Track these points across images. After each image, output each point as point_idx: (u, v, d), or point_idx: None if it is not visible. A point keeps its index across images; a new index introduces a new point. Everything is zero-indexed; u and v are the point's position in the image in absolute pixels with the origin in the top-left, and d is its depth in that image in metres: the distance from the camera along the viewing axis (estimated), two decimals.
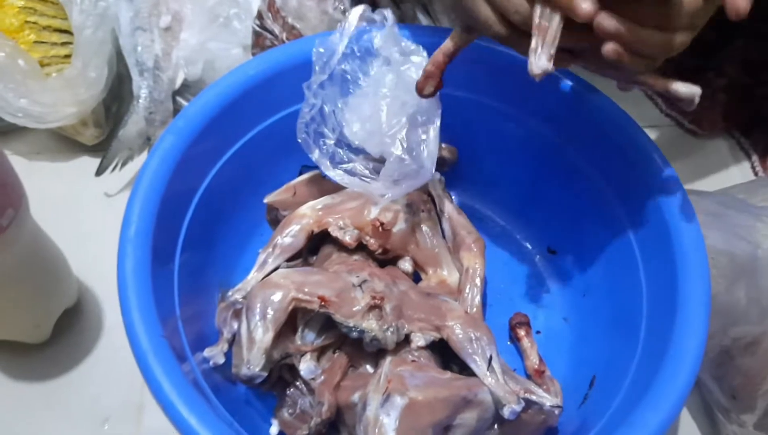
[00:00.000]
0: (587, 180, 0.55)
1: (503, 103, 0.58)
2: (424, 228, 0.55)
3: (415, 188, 0.53)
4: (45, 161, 0.71)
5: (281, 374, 0.50)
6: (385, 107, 0.51)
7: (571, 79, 0.55)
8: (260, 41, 0.73)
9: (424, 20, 0.75)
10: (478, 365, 0.48)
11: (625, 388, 0.47)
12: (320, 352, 0.50)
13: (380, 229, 0.52)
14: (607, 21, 0.37)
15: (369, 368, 0.50)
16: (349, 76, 0.54)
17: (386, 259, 0.54)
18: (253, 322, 0.46)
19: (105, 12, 0.71)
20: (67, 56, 0.71)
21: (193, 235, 0.50)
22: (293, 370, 0.49)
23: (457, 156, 0.60)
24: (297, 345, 0.49)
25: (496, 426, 0.48)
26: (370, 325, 0.47)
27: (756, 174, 0.73)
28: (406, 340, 0.49)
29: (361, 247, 0.53)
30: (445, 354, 0.51)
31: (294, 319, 0.49)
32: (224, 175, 0.54)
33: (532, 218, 0.62)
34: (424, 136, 0.51)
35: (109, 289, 0.44)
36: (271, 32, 0.72)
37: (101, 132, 0.72)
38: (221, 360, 0.48)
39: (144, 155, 0.70)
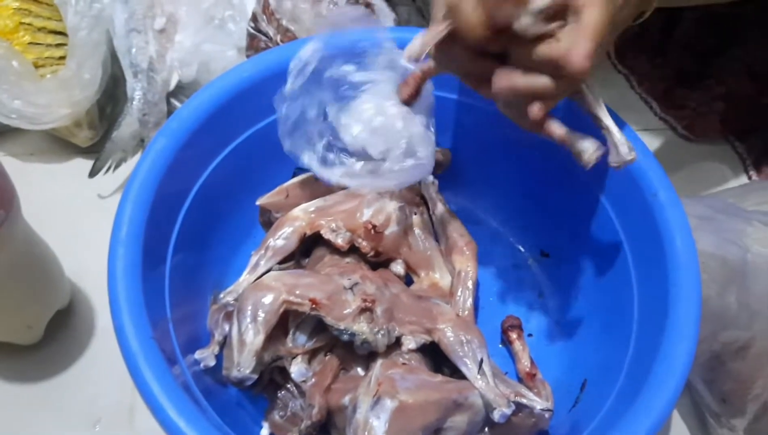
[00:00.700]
0: (580, 184, 0.55)
1: (494, 107, 0.58)
2: (417, 231, 0.55)
3: (416, 180, 0.52)
4: (39, 162, 0.71)
5: (272, 377, 0.50)
6: (388, 108, 0.51)
7: None
8: (255, 43, 0.73)
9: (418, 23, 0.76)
10: (468, 368, 0.48)
11: (616, 392, 0.47)
12: (311, 355, 0.50)
13: (372, 231, 0.52)
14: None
15: (360, 371, 0.50)
16: (340, 80, 0.53)
17: (378, 262, 0.54)
18: (244, 324, 0.46)
19: (100, 14, 0.71)
20: (62, 58, 0.71)
21: (186, 237, 0.50)
22: (284, 373, 0.49)
23: (450, 159, 0.61)
24: (288, 347, 0.49)
25: (486, 429, 0.48)
26: (361, 327, 0.47)
27: (750, 178, 0.73)
28: (397, 342, 0.49)
29: (353, 250, 0.53)
30: (436, 357, 0.51)
31: (285, 322, 0.49)
32: (217, 177, 0.54)
33: (525, 221, 0.62)
34: (423, 132, 0.51)
35: (102, 290, 0.44)
36: (266, 34, 0.72)
37: (95, 133, 0.72)
38: (212, 362, 0.48)
39: (137, 157, 0.70)
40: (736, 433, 0.54)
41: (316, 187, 0.57)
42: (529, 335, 0.58)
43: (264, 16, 0.72)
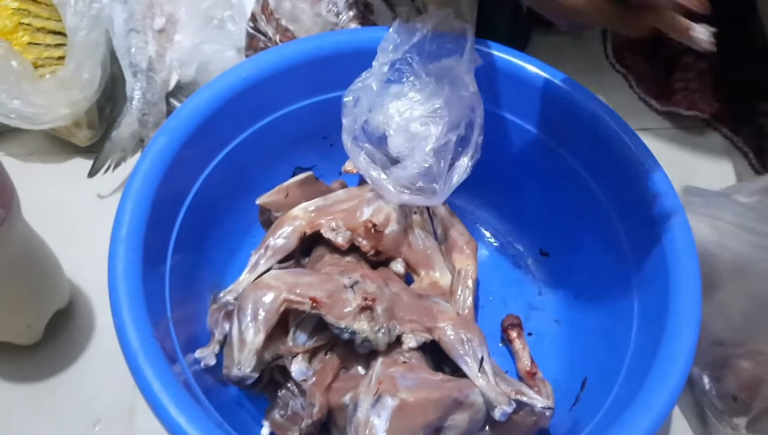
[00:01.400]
0: (580, 183, 0.56)
1: (496, 107, 0.58)
2: (417, 230, 0.55)
3: (421, 205, 0.53)
4: (38, 162, 0.71)
5: (273, 375, 0.50)
6: (436, 118, 0.52)
7: (564, 82, 0.55)
8: (254, 43, 0.73)
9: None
10: (469, 366, 0.48)
11: (616, 390, 0.47)
12: (312, 354, 0.50)
13: (372, 230, 0.52)
14: None
15: (361, 370, 0.50)
16: (406, 70, 0.54)
17: (378, 261, 0.54)
18: (244, 323, 0.46)
19: (99, 14, 0.71)
20: (61, 58, 0.71)
21: (185, 236, 0.50)
22: (285, 372, 0.49)
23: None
24: (288, 346, 0.49)
25: (487, 427, 0.48)
26: (362, 326, 0.47)
27: (756, 171, 0.73)
28: (398, 341, 0.49)
29: (353, 249, 0.53)
30: (437, 355, 0.51)
31: (286, 321, 0.49)
32: (217, 176, 0.54)
33: (525, 220, 0.62)
34: (454, 165, 0.52)
35: (102, 290, 0.44)
36: (265, 34, 0.72)
37: (95, 133, 0.72)
38: (212, 361, 0.48)
39: (137, 157, 0.70)
40: (738, 431, 0.54)
41: (317, 186, 0.57)
42: (529, 334, 0.58)
43: (263, 16, 0.72)
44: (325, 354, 0.50)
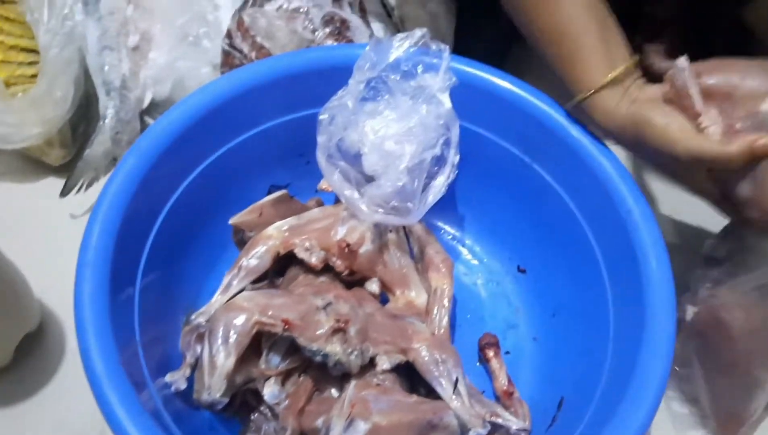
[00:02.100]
0: (555, 199, 0.55)
1: (472, 123, 0.58)
2: (392, 249, 0.54)
3: (395, 224, 0.53)
4: (10, 182, 0.70)
5: (245, 399, 0.49)
6: (411, 137, 0.52)
7: (538, 98, 0.55)
8: (229, 60, 0.72)
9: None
10: (443, 388, 0.47)
11: (592, 410, 0.46)
12: (285, 376, 0.49)
13: (346, 250, 0.52)
14: None
15: (334, 392, 0.49)
16: (382, 89, 0.54)
17: (353, 280, 0.54)
18: (215, 346, 0.46)
19: (72, 31, 0.71)
20: (34, 76, 0.70)
21: (157, 257, 0.50)
22: (257, 395, 0.48)
23: None
24: (261, 369, 0.48)
25: None
26: (334, 348, 0.47)
27: None
28: (371, 363, 0.48)
29: (327, 269, 0.53)
30: (412, 377, 0.50)
31: (258, 343, 0.49)
32: (189, 196, 0.53)
33: (502, 238, 0.62)
34: (430, 184, 0.53)
35: (73, 312, 0.43)
36: (240, 51, 0.72)
37: (68, 152, 0.71)
38: (183, 385, 0.47)
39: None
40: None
41: (291, 205, 0.56)
42: (507, 353, 0.57)
43: (238, 33, 0.72)
44: (299, 376, 0.49)
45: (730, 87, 0.47)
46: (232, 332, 0.46)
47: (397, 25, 0.78)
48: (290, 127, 0.57)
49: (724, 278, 0.53)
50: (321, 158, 0.52)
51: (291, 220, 0.54)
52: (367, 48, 0.54)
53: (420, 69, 0.54)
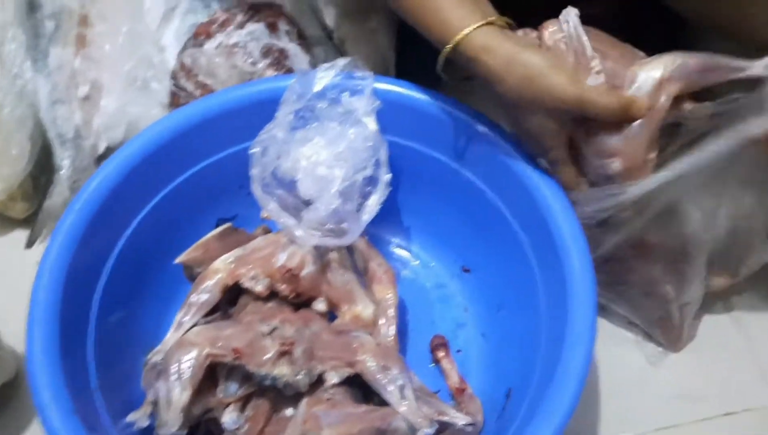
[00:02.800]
0: (487, 201, 0.58)
1: (403, 139, 0.61)
2: (335, 267, 0.57)
3: (332, 246, 0.55)
4: None
5: (208, 428, 0.52)
6: (341, 161, 0.55)
7: (461, 110, 0.57)
8: (176, 100, 0.75)
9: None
10: (391, 394, 0.50)
11: (529, 398, 0.49)
12: (244, 401, 0.52)
13: (288, 275, 0.54)
14: None
15: (291, 411, 0.52)
16: (310, 117, 0.57)
17: (301, 302, 0.57)
18: (170, 382, 0.49)
19: (23, 89, 0.74)
20: None
21: (110, 303, 0.53)
22: (218, 424, 0.51)
23: None
24: (219, 398, 0.51)
25: None
26: (282, 371, 0.49)
27: None
28: (321, 379, 0.51)
29: (275, 294, 0.56)
30: (365, 387, 0.53)
31: (214, 373, 0.51)
32: (138, 238, 0.56)
33: (446, 241, 0.64)
34: (364, 203, 0.55)
35: None
36: (186, 90, 0.74)
37: (31, 204, 0.74)
38: (145, 423, 0.50)
39: None
40: None
41: (236, 237, 0.59)
42: (458, 351, 0.60)
43: (182, 73, 0.75)
44: (258, 400, 0.52)
45: (609, 54, 0.50)
46: (184, 367, 0.49)
47: (337, 46, 0.81)
48: (229, 162, 0.60)
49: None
50: (256, 190, 0.55)
51: (236, 252, 0.56)
52: (293, 81, 0.57)
53: (346, 95, 0.57)
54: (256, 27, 0.74)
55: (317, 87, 0.57)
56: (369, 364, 0.51)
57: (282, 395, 0.52)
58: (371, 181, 0.56)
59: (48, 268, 0.49)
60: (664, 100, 0.49)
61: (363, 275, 0.59)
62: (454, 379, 0.57)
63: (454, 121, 0.58)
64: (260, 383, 0.50)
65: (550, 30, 0.51)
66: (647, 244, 0.58)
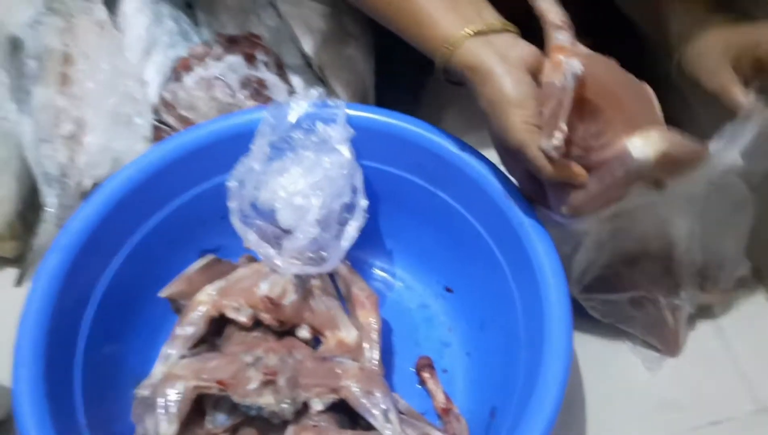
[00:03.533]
0: (462, 220, 0.59)
1: (379, 163, 0.62)
2: (317, 294, 0.58)
3: (313, 274, 0.56)
4: None
5: None
6: (317, 190, 0.56)
7: (432, 133, 0.59)
8: (159, 134, 0.76)
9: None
10: (375, 418, 0.51)
11: (512, 415, 0.50)
12: (233, 431, 0.53)
13: (271, 304, 0.55)
14: None
15: None
16: (285, 147, 0.58)
17: (285, 330, 0.57)
18: (157, 416, 0.49)
19: (7, 131, 0.75)
20: None
21: (97, 339, 0.53)
22: None
23: None
24: (207, 429, 0.52)
25: None
26: (267, 400, 0.50)
27: None
28: (306, 406, 0.52)
29: (259, 323, 0.57)
30: (352, 412, 0.54)
31: (202, 404, 0.52)
32: (122, 274, 0.57)
33: (427, 263, 0.65)
34: (343, 230, 0.56)
35: None
36: (168, 125, 0.76)
37: (21, 243, 0.74)
38: None
39: None
40: None
41: (220, 268, 0.60)
42: (444, 371, 0.61)
43: (164, 108, 0.76)
44: (245, 429, 0.53)
45: (603, 111, 0.49)
46: (171, 401, 0.50)
47: (317, 73, 0.82)
48: (208, 195, 0.61)
49: None
50: (235, 222, 0.56)
51: (219, 283, 0.57)
52: (266, 113, 0.58)
53: (320, 124, 0.58)
54: (234, 59, 0.76)
55: (291, 117, 0.58)
56: (353, 389, 0.52)
57: (269, 424, 0.52)
58: (349, 207, 0.57)
59: (33, 309, 0.49)
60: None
61: (346, 301, 0.60)
62: (440, 400, 0.58)
63: (427, 144, 0.59)
64: (247, 413, 0.51)
65: (554, 63, 0.49)
66: (635, 254, 0.59)
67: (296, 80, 0.80)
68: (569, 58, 0.47)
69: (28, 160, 0.75)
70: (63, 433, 0.45)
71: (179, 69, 0.76)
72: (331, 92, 0.76)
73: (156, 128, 0.76)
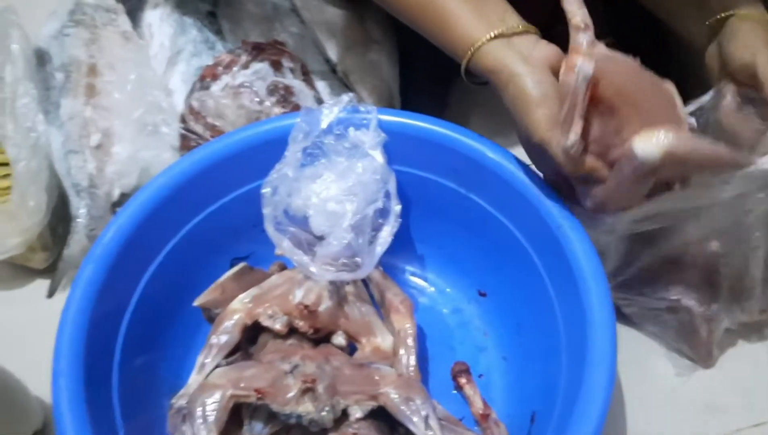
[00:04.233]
0: (497, 224, 0.58)
1: (412, 168, 0.61)
2: (352, 300, 0.57)
3: (347, 280, 0.56)
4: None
5: None
6: (350, 196, 0.56)
7: (465, 136, 0.58)
8: (186, 143, 0.76)
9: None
10: (416, 425, 0.50)
11: (555, 422, 0.49)
12: None
13: (306, 311, 0.55)
14: None
15: None
16: (318, 153, 0.58)
17: (321, 337, 0.57)
18: (195, 425, 0.49)
19: (37, 142, 0.75)
20: (9, 188, 0.75)
21: (132, 350, 0.53)
22: None
23: None
24: None
25: None
26: (306, 408, 0.50)
27: None
28: (345, 414, 0.51)
29: (294, 330, 0.56)
30: (390, 419, 0.53)
31: (239, 414, 0.52)
32: (156, 285, 0.57)
33: (460, 267, 0.65)
34: (376, 235, 0.56)
35: None
36: (195, 133, 0.76)
37: (51, 254, 0.75)
38: None
39: None
40: None
41: (252, 275, 0.60)
42: (480, 376, 0.60)
43: (191, 117, 0.76)
44: None
45: (620, 110, 0.49)
46: (209, 410, 0.49)
47: (342, 79, 0.82)
48: (240, 202, 0.61)
49: None
50: (269, 229, 0.55)
51: (253, 291, 0.57)
52: (298, 119, 0.58)
53: (351, 129, 0.58)
54: (261, 66, 0.76)
55: (323, 123, 0.58)
56: (392, 396, 0.51)
57: (308, 432, 0.52)
58: (382, 212, 0.57)
59: (70, 319, 0.49)
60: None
61: (380, 306, 0.60)
62: (478, 405, 0.57)
63: (460, 148, 0.58)
64: (285, 421, 0.50)
65: (568, 65, 0.49)
66: (680, 256, 0.58)
67: (321, 86, 0.80)
68: (582, 61, 0.48)
69: (57, 172, 0.76)
70: None
71: (206, 77, 0.76)
72: (357, 98, 0.75)
73: (183, 137, 0.77)
